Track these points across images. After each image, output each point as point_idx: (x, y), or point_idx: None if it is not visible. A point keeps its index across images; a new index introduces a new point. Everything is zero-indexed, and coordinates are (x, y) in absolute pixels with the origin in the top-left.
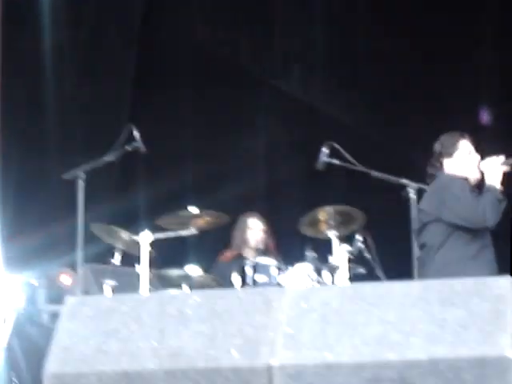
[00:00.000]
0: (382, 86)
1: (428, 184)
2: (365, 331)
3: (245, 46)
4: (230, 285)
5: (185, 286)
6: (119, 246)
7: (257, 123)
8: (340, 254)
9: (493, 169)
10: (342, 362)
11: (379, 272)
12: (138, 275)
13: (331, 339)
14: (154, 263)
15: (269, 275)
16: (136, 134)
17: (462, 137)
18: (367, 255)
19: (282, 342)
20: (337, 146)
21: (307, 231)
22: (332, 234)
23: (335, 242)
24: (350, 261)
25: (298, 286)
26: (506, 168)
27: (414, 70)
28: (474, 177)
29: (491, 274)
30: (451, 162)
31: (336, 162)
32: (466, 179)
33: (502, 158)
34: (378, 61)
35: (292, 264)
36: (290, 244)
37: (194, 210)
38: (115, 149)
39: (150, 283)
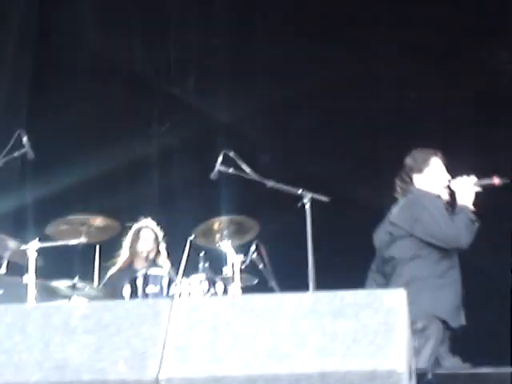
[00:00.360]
0: (280, 93)
1: (396, 197)
2: (255, 343)
3: (140, 52)
4: (120, 296)
5: (73, 298)
6: (5, 254)
7: (151, 130)
8: (234, 264)
9: (464, 189)
10: (232, 375)
11: (273, 283)
12: (24, 285)
13: (221, 352)
14: (42, 273)
15: (160, 286)
16: (25, 139)
17: (434, 154)
18: (261, 266)
19: (170, 355)
20: (233, 154)
21: (201, 241)
22: (226, 245)
23: (229, 253)
24: (243, 271)
25: (190, 297)
26: (477, 189)
27: (310, 77)
28: (443, 195)
29: (456, 294)
30: (421, 178)
31: (231, 171)
32: (439, 197)
33: (473, 178)
34: (275, 68)
35: (185, 275)
36: (183, 254)
37: (84, 216)
38: (3, 155)
39: (37, 294)
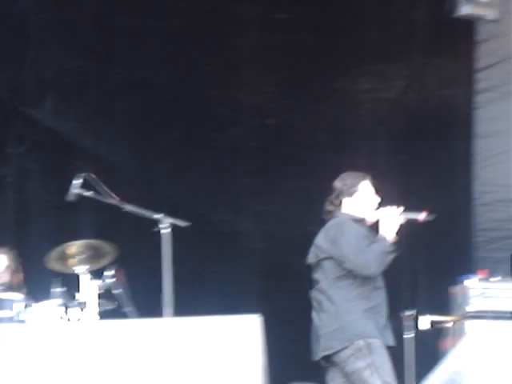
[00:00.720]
0: (140, 117)
1: (325, 220)
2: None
3: None
4: None
5: None
6: None
7: (7, 151)
8: (89, 289)
9: (389, 219)
10: None
11: (130, 308)
12: None
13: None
14: None
15: (13, 311)
16: None
17: (364, 178)
18: (118, 291)
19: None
20: (90, 177)
21: (56, 266)
22: (81, 269)
23: (84, 278)
24: (100, 296)
25: (42, 323)
26: (402, 220)
27: (171, 100)
28: (370, 219)
29: (382, 315)
30: (350, 202)
31: (88, 193)
32: (362, 220)
33: (400, 209)
34: (135, 91)
35: (38, 300)
36: (37, 279)
37: None
38: None
39: None
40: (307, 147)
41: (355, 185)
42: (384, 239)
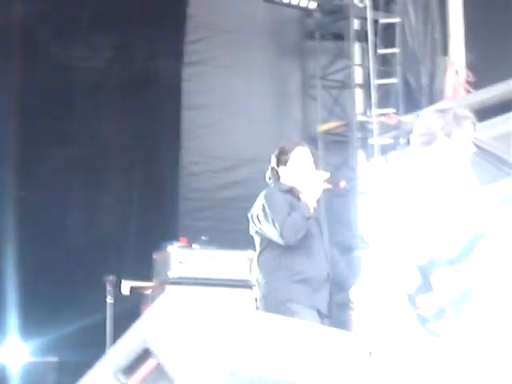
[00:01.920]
0: None
1: None
2: None
3: None
4: None
5: None
6: None
7: None
8: None
9: (314, 183)
10: None
11: None
12: None
13: None
14: None
15: None
16: None
17: (298, 145)
18: None
19: None
20: None
21: None
22: None
23: None
24: None
25: None
26: (327, 186)
27: None
28: (303, 187)
29: (311, 282)
30: (284, 171)
31: None
32: (291, 189)
33: (327, 174)
34: None
35: None
36: None
37: None
38: None
39: None
40: (19, 111)
41: (288, 152)
42: (305, 205)
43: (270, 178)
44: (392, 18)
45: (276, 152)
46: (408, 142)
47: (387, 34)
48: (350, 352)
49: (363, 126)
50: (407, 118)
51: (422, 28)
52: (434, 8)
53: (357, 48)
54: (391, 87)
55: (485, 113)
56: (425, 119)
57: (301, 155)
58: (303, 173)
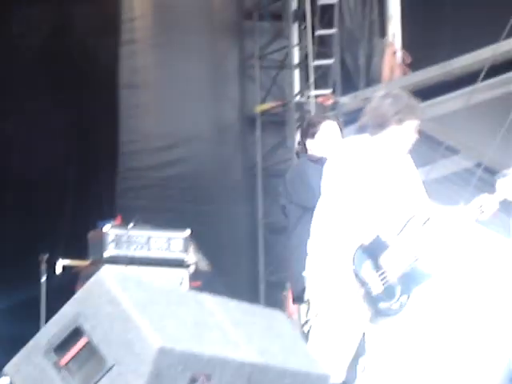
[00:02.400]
0: None
1: None
2: None
3: None
4: None
5: None
6: None
7: None
8: None
9: None
10: None
11: None
12: None
13: None
14: None
15: None
16: None
17: (326, 118)
18: None
19: None
20: None
21: None
22: None
23: None
24: None
25: None
26: None
27: None
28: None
29: None
30: (312, 143)
31: None
32: (320, 159)
33: None
34: None
35: None
36: None
37: None
38: None
39: None
40: None
41: (316, 125)
42: None
43: (297, 153)
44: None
45: (304, 125)
46: (345, 123)
47: (325, 15)
48: (281, 330)
49: (301, 107)
50: (344, 99)
51: (360, 9)
52: None
53: (295, 28)
54: (329, 68)
55: (421, 94)
56: (378, 103)
57: (328, 128)
58: (331, 145)
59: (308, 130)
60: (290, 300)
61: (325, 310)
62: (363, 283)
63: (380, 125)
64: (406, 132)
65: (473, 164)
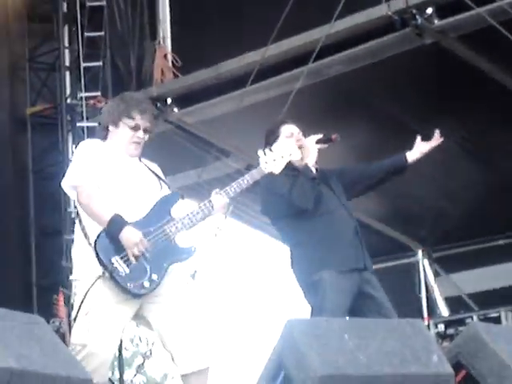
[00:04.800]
0: None
1: None
2: None
3: None
4: None
5: None
6: None
7: None
8: None
9: (310, 147)
10: None
11: None
12: None
13: None
14: None
15: None
16: None
17: (284, 123)
18: None
19: None
20: None
21: None
22: None
23: None
24: None
25: None
26: (321, 146)
27: None
28: (295, 158)
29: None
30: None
31: None
32: (286, 164)
33: (318, 136)
34: None
35: None
36: None
37: None
38: None
39: None
40: None
41: (274, 132)
42: (306, 168)
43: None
44: (99, 2)
45: (264, 136)
46: None
47: (96, 17)
48: (41, 335)
49: (72, 109)
50: None
51: (130, 12)
52: None
53: (65, 31)
54: (100, 70)
55: (193, 97)
56: (108, 107)
57: (287, 130)
58: (293, 146)
59: (268, 139)
60: (62, 303)
61: (82, 313)
62: (109, 268)
63: (104, 128)
64: (123, 133)
65: (243, 166)
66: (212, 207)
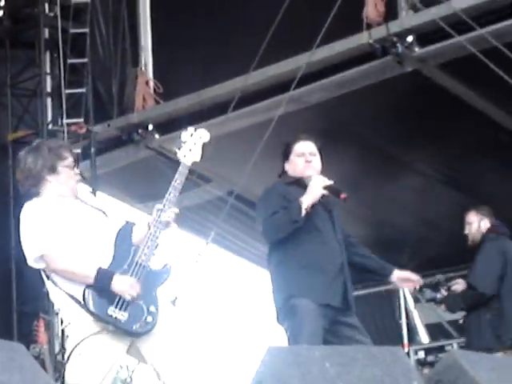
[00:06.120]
0: None
1: None
2: None
3: None
4: None
5: None
6: None
7: None
8: None
9: (315, 187)
10: None
11: None
12: None
13: None
14: None
15: None
16: None
17: (299, 139)
18: None
19: None
20: None
21: None
22: None
23: None
24: None
25: None
26: (325, 192)
27: None
28: (305, 175)
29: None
30: (288, 165)
31: None
32: (297, 181)
33: (329, 182)
34: None
35: None
36: None
37: None
38: None
39: None
40: None
41: (289, 147)
42: (297, 208)
43: (279, 176)
44: (82, 29)
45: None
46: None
47: (78, 44)
48: (22, 362)
49: (54, 135)
50: (97, 128)
51: (112, 39)
52: (125, 19)
53: (47, 57)
54: (82, 97)
55: (174, 124)
56: (25, 162)
57: (300, 149)
58: (304, 165)
59: (285, 153)
60: (42, 329)
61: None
62: (111, 321)
63: (34, 184)
64: (64, 175)
65: (225, 192)
66: (160, 222)
